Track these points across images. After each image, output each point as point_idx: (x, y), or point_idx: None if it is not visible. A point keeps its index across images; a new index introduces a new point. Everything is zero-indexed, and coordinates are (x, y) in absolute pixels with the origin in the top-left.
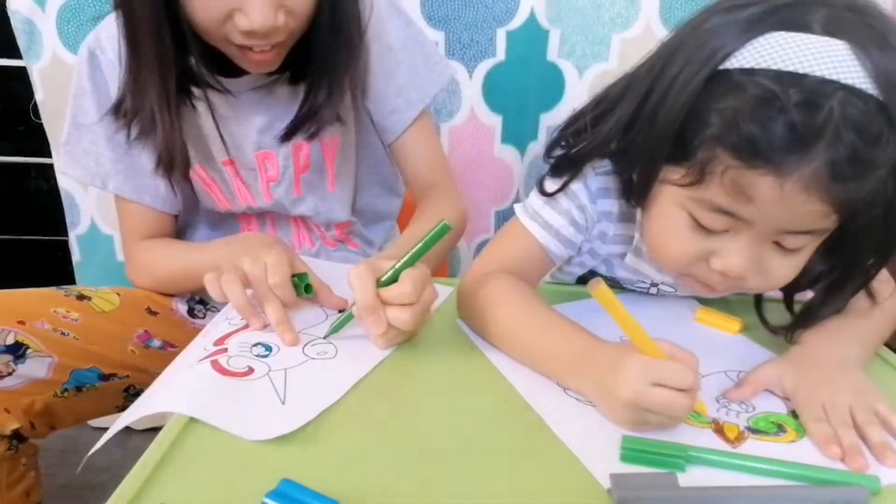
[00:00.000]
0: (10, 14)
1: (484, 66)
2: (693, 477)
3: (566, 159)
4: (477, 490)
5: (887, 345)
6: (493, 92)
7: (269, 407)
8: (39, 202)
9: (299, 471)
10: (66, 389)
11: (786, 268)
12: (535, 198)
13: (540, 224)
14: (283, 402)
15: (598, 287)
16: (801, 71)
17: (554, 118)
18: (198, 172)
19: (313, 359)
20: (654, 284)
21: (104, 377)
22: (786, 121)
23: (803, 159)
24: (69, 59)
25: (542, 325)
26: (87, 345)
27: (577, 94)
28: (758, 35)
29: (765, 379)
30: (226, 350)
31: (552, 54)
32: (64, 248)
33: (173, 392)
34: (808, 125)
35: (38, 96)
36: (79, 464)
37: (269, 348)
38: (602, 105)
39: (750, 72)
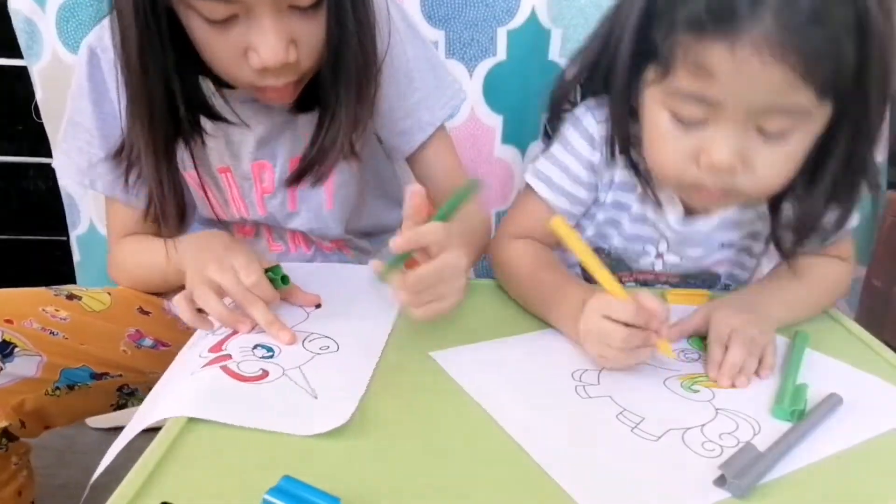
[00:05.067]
0: (10, 14)
1: (484, 66)
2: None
3: (558, 97)
4: (477, 489)
5: (888, 345)
6: (494, 91)
7: (305, 403)
8: (39, 202)
9: (300, 468)
10: (57, 388)
11: (774, 161)
12: (543, 161)
13: (547, 184)
14: (316, 398)
15: (556, 220)
16: None
17: None
18: (192, 176)
19: (319, 353)
20: (659, 254)
21: (96, 376)
22: None
23: (752, 20)
24: (69, 58)
25: (551, 284)
26: (76, 344)
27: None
28: None
29: (697, 320)
30: (230, 356)
31: (553, 54)
32: (64, 248)
33: (187, 398)
34: None
35: (39, 96)
36: (77, 464)
37: (270, 349)
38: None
39: None
